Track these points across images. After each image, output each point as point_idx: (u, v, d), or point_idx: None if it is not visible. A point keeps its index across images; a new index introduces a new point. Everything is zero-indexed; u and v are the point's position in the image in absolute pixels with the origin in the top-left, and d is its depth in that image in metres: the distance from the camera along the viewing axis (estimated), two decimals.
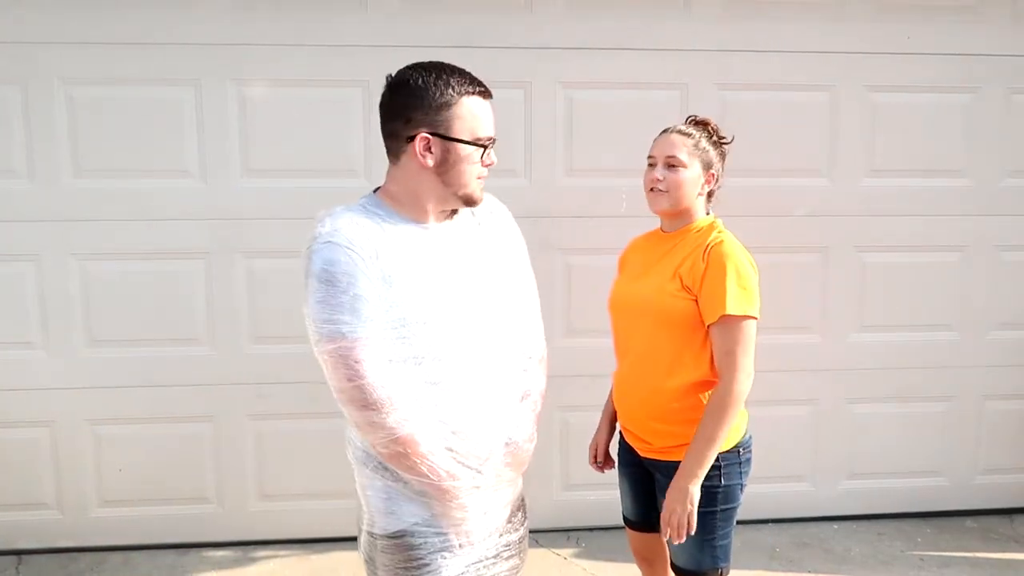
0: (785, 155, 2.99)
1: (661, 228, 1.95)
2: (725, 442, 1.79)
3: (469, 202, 1.53)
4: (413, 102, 1.46)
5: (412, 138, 1.47)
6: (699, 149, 1.85)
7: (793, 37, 2.92)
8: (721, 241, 1.79)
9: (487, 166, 1.52)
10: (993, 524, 3.19)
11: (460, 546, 1.51)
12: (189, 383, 2.88)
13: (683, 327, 1.79)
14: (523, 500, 1.70)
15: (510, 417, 1.57)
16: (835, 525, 3.16)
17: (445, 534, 1.50)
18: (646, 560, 2.08)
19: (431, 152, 1.47)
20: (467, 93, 1.47)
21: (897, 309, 3.11)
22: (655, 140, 1.92)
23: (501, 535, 1.60)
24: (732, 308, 1.72)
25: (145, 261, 2.81)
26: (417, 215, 1.52)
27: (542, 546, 2.96)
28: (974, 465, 3.25)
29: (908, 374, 3.15)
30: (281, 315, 2.87)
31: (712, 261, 1.76)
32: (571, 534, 3.03)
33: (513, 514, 1.64)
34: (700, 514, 1.76)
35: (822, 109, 2.98)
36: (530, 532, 3.00)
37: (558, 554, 2.93)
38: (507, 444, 1.56)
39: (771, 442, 3.09)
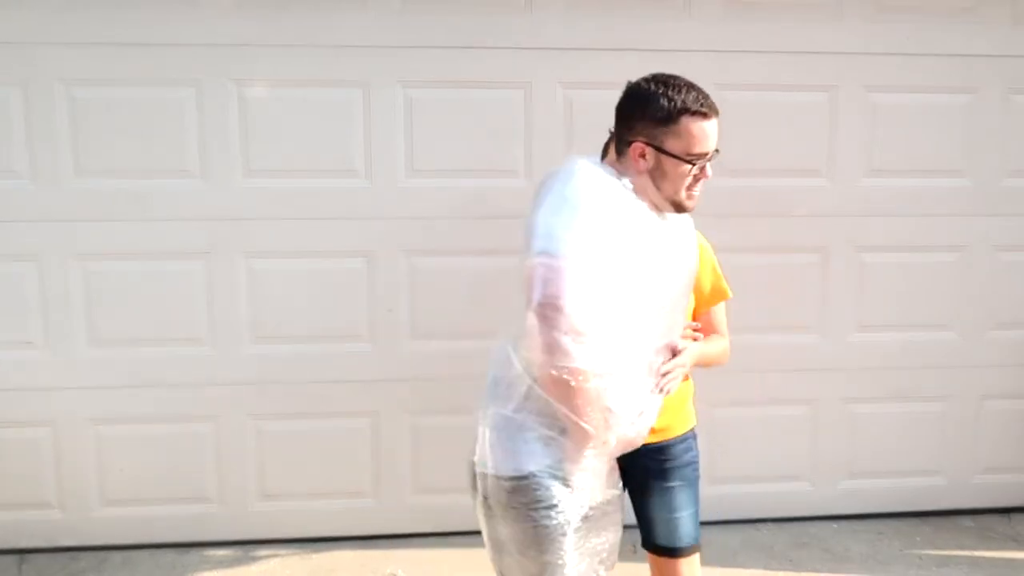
0: (784, 155, 2.99)
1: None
2: (691, 421, 1.93)
3: (678, 208, 1.63)
4: (637, 111, 1.60)
5: (631, 142, 1.60)
6: None
7: (793, 37, 2.93)
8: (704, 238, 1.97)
9: (699, 180, 1.61)
10: (991, 523, 3.20)
11: (578, 492, 1.56)
12: (190, 383, 2.88)
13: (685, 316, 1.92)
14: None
15: (649, 398, 1.66)
16: (834, 524, 3.17)
17: (566, 479, 1.55)
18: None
19: (644, 159, 1.60)
20: (687, 113, 1.57)
21: (896, 309, 3.12)
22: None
23: (607, 489, 1.66)
24: (729, 292, 1.96)
25: (146, 261, 2.81)
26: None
27: None
28: (973, 465, 3.25)
29: (907, 374, 3.16)
30: (281, 315, 2.88)
31: (703, 252, 1.88)
32: None
33: (611, 472, 1.68)
34: (691, 488, 1.89)
35: (822, 109, 2.99)
36: None
37: None
38: (640, 416, 1.63)
39: (770, 441, 3.11)
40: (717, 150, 1.61)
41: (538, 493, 1.55)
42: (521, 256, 1.51)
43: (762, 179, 2.94)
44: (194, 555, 2.92)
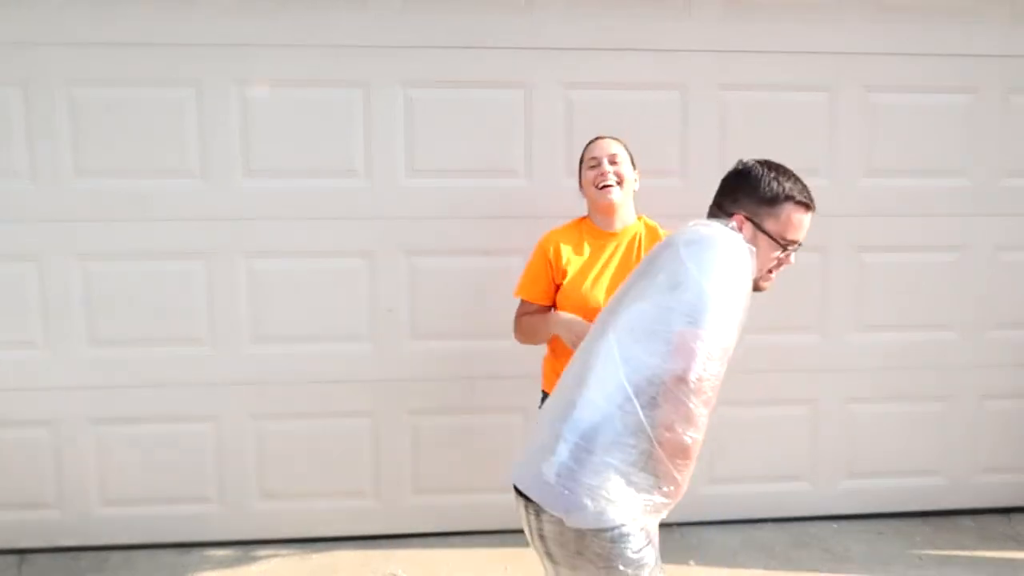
0: (784, 155, 2.92)
1: (598, 226, 2.25)
2: None
3: (754, 288, 1.64)
4: (746, 187, 1.67)
5: (732, 214, 1.66)
6: (627, 150, 2.28)
7: (793, 37, 2.93)
8: (662, 228, 2.22)
9: (782, 265, 1.68)
10: (991, 523, 3.20)
11: (653, 538, 1.60)
12: (190, 383, 2.88)
13: None
14: None
15: None
16: (834, 524, 3.17)
17: (652, 522, 1.58)
18: None
19: (742, 232, 1.64)
20: (793, 200, 1.65)
21: (896, 309, 3.12)
22: (591, 145, 2.29)
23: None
24: None
25: (146, 261, 2.81)
26: None
27: None
28: (972, 464, 3.25)
29: (907, 374, 3.16)
30: (281, 315, 2.88)
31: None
32: None
33: None
34: None
35: (822, 109, 2.99)
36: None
37: None
38: None
39: (770, 441, 3.11)
40: (801, 243, 1.68)
41: (634, 539, 1.54)
42: (663, 314, 1.51)
43: None
44: (194, 555, 2.92)
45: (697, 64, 2.92)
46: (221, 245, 2.83)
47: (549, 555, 1.61)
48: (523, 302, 2.31)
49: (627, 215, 2.27)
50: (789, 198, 1.64)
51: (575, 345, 1.97)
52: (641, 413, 1.49)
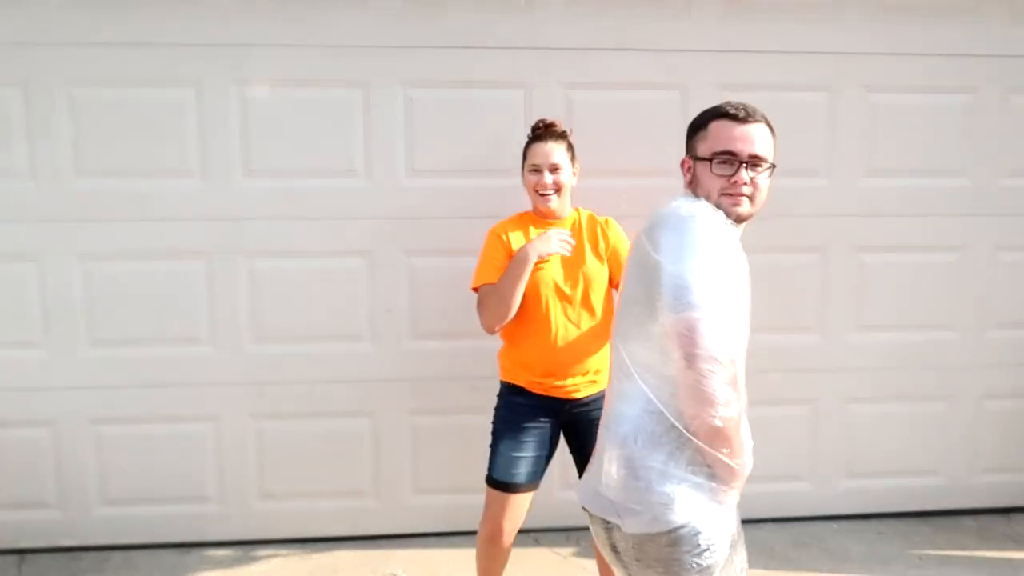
0: (784, 155, 2.96)
1: (545, 218, 2.33)
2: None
3: (731, 216, 1.57)
4: (688, 131, 1.64)
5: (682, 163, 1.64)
6: (569, 148, 2.34)
7: (793, 37, 2.93)
8: (597, 216, 2.36)
9: (736, 184, 1.55)
10: (991, 523, 3.20)
11: (725, 526, 1.56)
12: (190, 383, 2.88)
13: (602, 287, 2.31)
14: None
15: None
16: (834, 524, 3.17)
17: (717, 516, 1.54)
18: (513, 520, 2.29)
19: (687, 172, 1.63)
20: (717, 116, 1.58)
21: (896, 309, 3.12)
22: (534, 147, 2.31)
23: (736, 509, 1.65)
24: None
25: (147, 261, 2.82)
26: None
27: (542, 545, 2.97)
28: (972, 464, 3.26)
29: (907, 374, 3.16)
30: (281, 315, 2.88)
31: (612, 228, 2.35)
32: (570, 533, 3.04)
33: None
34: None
35: (821, 109, 2.99)
36: (529, 532, 3.02)
37: (558, 553, 2.94)
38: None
39: (770, 441, 3.10)
40: (763, 158, 1.56)
41: (697, 539, 1.52)
42: (647, 310, 1.49)
43: None
44: (194, 555, 2.92)
45: (697, 64, 2.92)
46: (221, 245, 2.83)
47: (624, 566, 1.60)
48: (483, 288, 2.30)
49: (566, 210, 2.35)
50: (713, 115, 1.58)
51: (542, 251, 2.17)
52: (665, 410, 1.50)
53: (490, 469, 2.29)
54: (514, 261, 2.21)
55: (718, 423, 1.46)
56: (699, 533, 1.51)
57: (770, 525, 3.16)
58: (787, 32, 2.92)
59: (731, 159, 1.54)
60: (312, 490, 2.98)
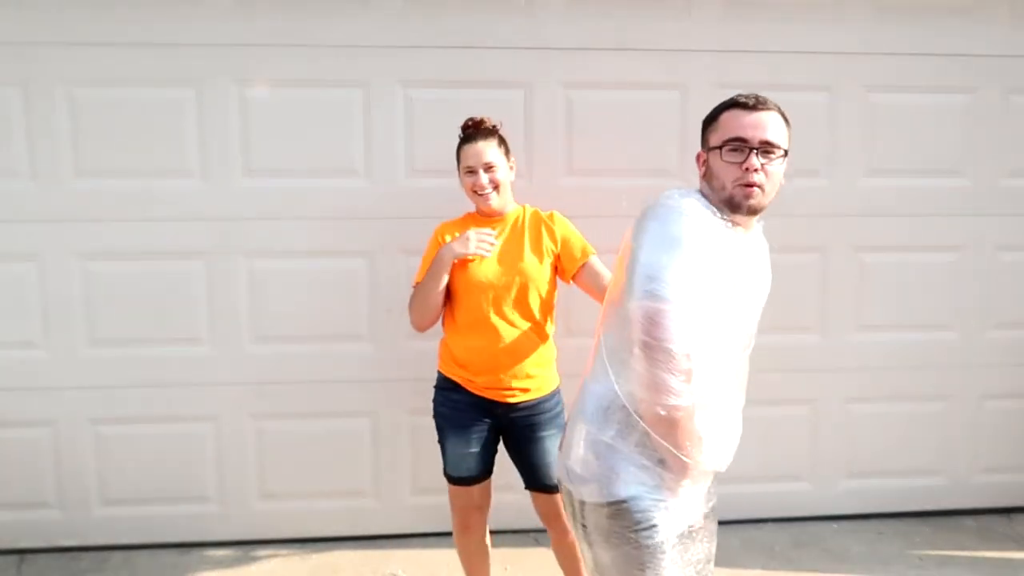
0: None
1: (487, 218, 2.29)
2: (556, 380, 2.32)
3: (734, 207, 1.56)
4: (702, 125, 1.65)
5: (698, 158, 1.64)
6: (502, 143, 2.30)
7: (793, 37, 2.93)
8: (542, 210, 2.33)
9: (749, 171, 1.54)
10: (991, 523, 3.20)
11: (676, 514, 1.58)
12: (190, 383, 2.88)
13: (551, 287, 2.28)
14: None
15: (737, 415, 1.70)
16: (834, 524, 3.17)
17: (664, 500, 1.57)
18: (479, 508, 2.36)
19: (702, 166, 1.63)
20: (728, 107, 1.59)
21: (896, 309, 3.12)
22: (466, 149, 2.26)
23: (704, 503, 1.68)
24: (590, 246, 2.31)
25: (146, 261, 2.82)
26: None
27: (542, 545, 2.96)
28: (973, 464, 3.26)
29: (907, 374, 3.16)
30: (281, 315, 2.88)
31: (558, 222, 2.32)
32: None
33: (708, 493, 1.71)
34: (558, 436, 2.19)
35: (821, 109, 2.99)
36: (528, 532, 3.01)
37: None
38: (731, 438, 1.67)
39: (770, 441, 3.11)
40: (775, 145, 1.55)
41: (636, 516, 1.56)
42: (622, 294, 1.52)
43: None
44: (194, 555, 2.92)
45: (697, 64, 2.91)
46: (221, 245, 2.83)
47: (589, 545, 1.65)
48: (414, 288, 2.32)
49: (508, 206, 2.31)
50: (725, 106, 1.60)
51: (459, 253, 2.17)
52: (619, 390, 1.54)
53: (444, 464, 2.33)
54: (433, 263, 2.22)
55: (662, 412, 1.49)
56: (640, 511, 1.55)
57: (770, 525, 3.16)
58: (787, 32, 2.92)
59: (742, 146, 1.54)
60: (312, 490, 2.98)
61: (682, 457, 1.51)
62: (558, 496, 2.19)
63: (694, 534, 1.64)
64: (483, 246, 2.20)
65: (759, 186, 1.54)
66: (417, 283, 2.30)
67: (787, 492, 3.19)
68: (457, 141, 2.31)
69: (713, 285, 1.49)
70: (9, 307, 2.80)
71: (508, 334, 2.21)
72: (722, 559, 2.88)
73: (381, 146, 2.85)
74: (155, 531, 2.95)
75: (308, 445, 2.95)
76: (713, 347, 1.53)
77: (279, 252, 2.85)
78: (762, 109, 1.57)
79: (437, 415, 2.33)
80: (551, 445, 2.23)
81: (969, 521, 3.21)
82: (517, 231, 2.28)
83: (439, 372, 2.35)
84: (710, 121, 1.63)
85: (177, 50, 2.73)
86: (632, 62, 2.89)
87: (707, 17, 2.89)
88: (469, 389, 2.26)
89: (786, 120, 1.61)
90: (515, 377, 2.22)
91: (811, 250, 3.06)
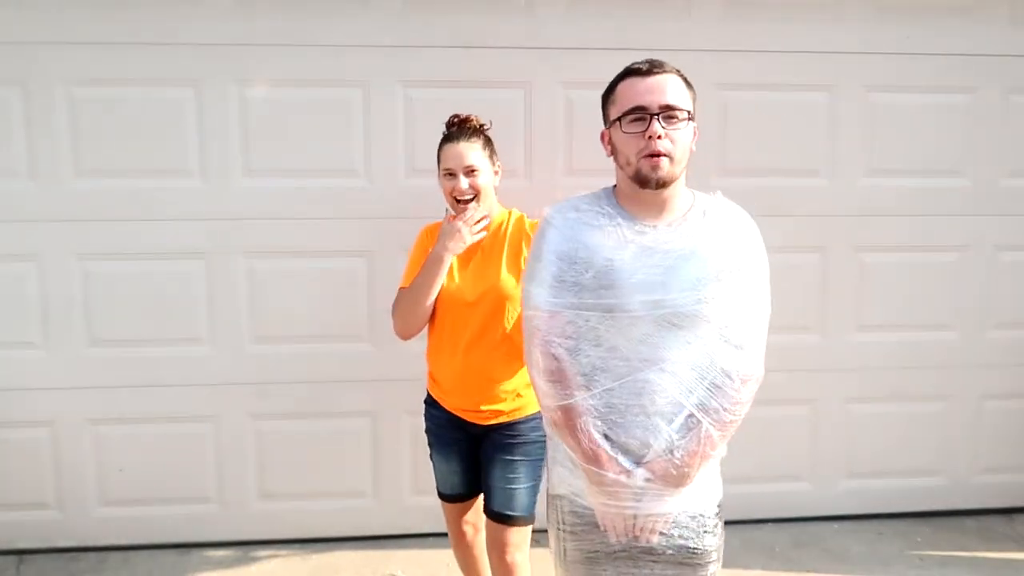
0: (784, 155, 2.99)
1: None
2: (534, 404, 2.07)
3: (643, 182, 1.50)
4: (601, 106, 1.60)
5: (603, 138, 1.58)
6: (486, 145, 2.13)
7: (793, 37, 2.93)
8: (528, 216, 2.13)
9: (652, 138, 1.46)
10: (992, 524, 3.20)
11: (602, 530, 1.54)
12: (189, 383, 2.88)
13: (518, 305, 2.01)
14: (704, 515, 1.58)
15: (673, 427, 1.50)
16: (834, 524, 3.17)
17: (590, 510, 1.54)
18: (472, 523, 2.29)
19: (608, 145, 1.58)
20: (623, 77, 1.54)
21: (896, 309, 3.12)
22: (447, 150, 2.11)
23: (650, 540, 1.54)
24: None
25: (146, 261, 2.81)
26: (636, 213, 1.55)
27: (542, 545, 2.95)
28: (973, 465, 3.25)
29: (907, 374, 3.16)
30: (281, 315, 2.88)
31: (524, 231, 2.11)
32: None
33: (678, 526, 1.55)
34: (534, 464, 2.08)
35: (821, 109, 2.99)
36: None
37: None
38: (664, 453, 1.50)
39: (770, 442, 3.11)
40: (677, 107, 1.48)
41: (561, 515, 1.59)
42: None
43: (762, 179, 2.94)
44: (194, 555, 2.91)
45: (697, 64, 2.88)
46: (221, 245, 2.83)
47: None
48: (399, 293, 2.17)
49: (492, 209, 2.13)
50: (620, 77, 1.54)
51: (455, 249, 2.03)
52: None
53: (436, 480, 2.28)
54: (426, 265, 2.05)
55: (546, 413, 1.56)
56: (566, 511, 1.58)
57: (770, 525, 3.16)
58: (787, 32, 2.92)
59: (642, 114, 1.48)
60: (312, 490, 2.98)
61: (580, 461, 1.50)
62: (510, 530, 2.08)
63: (638, 560, 1.54)
64: (479, 234, 2.06)
65: (666, 155, 1.47)
66: (403, 287, 2.15)
67: (787, 492, 3.18)
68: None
69: (585, 280, 1.48)
70: (9, 307, 2.80)
71: (479, 354, 2.05)
72: (723, 559, 2.88)
73: (381, 146, 2.84)
74: (154, 531, 2.94)
75: (308, 445, 2.95)
76: (599, 344, 1.49)
77: (279, 252, 2.85)
78: (658, 72, 1.50)
79: (426, 431, 2.28)
80: (519, 471, 2.07)
81: (970, 521, 3.21)
82: (498, 241, 2.11)
83: (428, 388, 2.28)
84: (608, 95, 1.56)
85: (177, 50, 2.73)
86: (632, 62, 2.89)
87: (707, 17, 2.89)
88: (444, 406, 2.17)
89: (687, 82, 1.53)
90: (485, 400, 2.06)
91: (811, 250, 3.05)
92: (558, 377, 1.49)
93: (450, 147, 2.09)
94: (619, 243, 1.49)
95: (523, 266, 1.95)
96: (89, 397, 2.86)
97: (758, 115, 2.93)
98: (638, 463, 1.49)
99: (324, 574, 2.81)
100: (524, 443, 2.08)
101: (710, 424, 1.50)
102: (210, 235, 2.82)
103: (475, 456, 2.17)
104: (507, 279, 2.05)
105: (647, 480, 1.48)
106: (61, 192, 2.76)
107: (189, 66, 2.74)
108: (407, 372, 2.93)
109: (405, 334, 2.15)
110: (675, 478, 1.49)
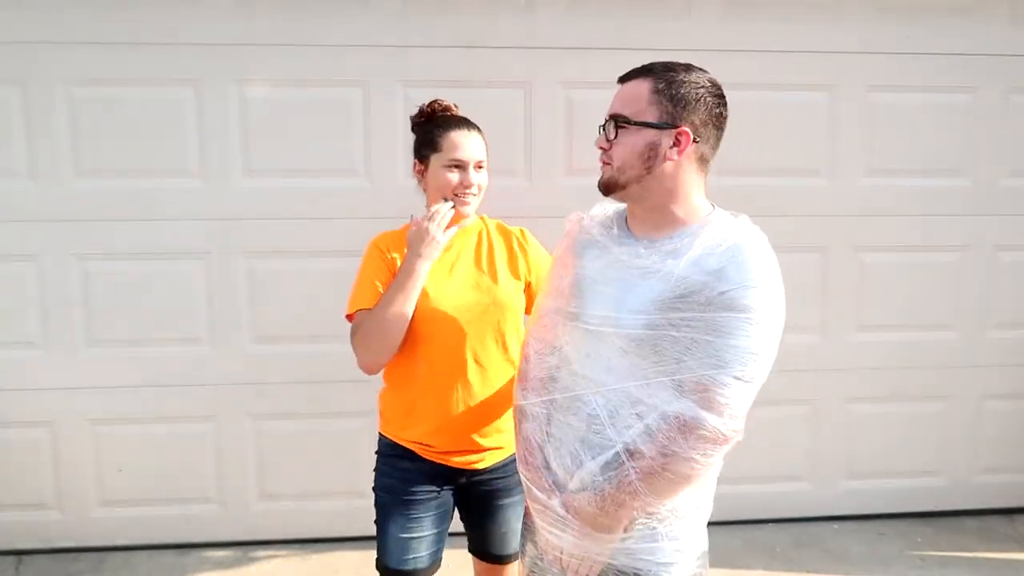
0: (784, 155, 2.99)
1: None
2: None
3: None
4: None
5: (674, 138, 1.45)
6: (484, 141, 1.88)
7: (793, 37, 2.93)
8: (508, 225, 1.93)
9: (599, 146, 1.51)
10: (993, 524, 3.20)
11: (535, 544, 1.53)
12: (189, 383, 2.88)
13: (519, 318, 1.82)
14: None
15: (597, 463, 1.35)
16: (835, 525, 3.17)
17: (530, 520, 1.54)
18: None
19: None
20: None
21: (896, 309, 3.12)
22: (453, 137, 1.82)
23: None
24: None
25: (146, 261, 2.81)
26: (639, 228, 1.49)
27: None
28: (973, 465, 3.25)
29: (907, 374, 3.16)
30: (281, 315, 2.87)
31: (531, 245, 1.90)
32: None
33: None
34: (520, 503, 1.80)
35: (822, 109, 2.99)
36: None
37: None
38: (581, 488, 1.36)
39: (770, 442, 3.10)
40: (620, 115, 1.56)
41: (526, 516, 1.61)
42: None
43: (762, 179, 2.94)
44: (193, 556, 2.91)
45: (697, 64, 2.90)
46: (221, 245, 2.83)
47: None
48: (358, 315, 1.75)
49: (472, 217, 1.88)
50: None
51: (431, 255, 1.71)
52: None
53: (380, 553, 1.84)
54: (398, 279, 1.70)
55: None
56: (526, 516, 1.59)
57: (770, 525, 3.16)
58: (787, 32, 2.92)
59: (603, 122, 1.51)
60: (312, 490, 2.98)
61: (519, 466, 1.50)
62: (506, 568, 1.91)
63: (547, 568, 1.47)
64: (449, 230, 1.74)
65: (607, 162, 1.58)
66: (363, 309, 1.74)
67: (787, 492, 3.18)
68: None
69: (564, 286, 1.50)
70: (9, 307, 2.80)
71: (481, 380, 1.75)
72: (723, 559, 2.89)
73: (381, 146, 2.84)
74: (154, 532, 2.94)
75: (308, 445, 2.94)
76: (559, 348, 1.46)
77: (279, 252, 2.85)
78: (623, 82, 1.55)
79: (379, 486, 1.87)
80: (511, 514, 1.85)
81: (970, 521, 3.21)
82: (487, 246, 1.85)
83: (381, 435, 1.89)
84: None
85: (177, 50, 2.73)
86: (632, 62, 2.86)
87: (707, 17, 2.89)
88: (423, 455, 1.80)
89: (661, 88, 1.49)
90: (486, 435, 1.77)
91: (811, 250, 3.05)
92: (521, 376, 1.53)
93: (460, 134, 1.79)
94: (600, 253, 1.46)
95: (520, 271, 1.85)
96: (89, 397, 2.85)
97: (758, 115, 2.92)
98: (561, 490, 1.37)
99: (324, 574, 2.81)
100: (514, 484, 1.83)
101: (633, 470, 1.29)
102: (210, 235, 2.82)
103: (450, 513, 1.88)
104: (508, 287, 1.80)
105: (566, 511, 1.35)
106: (61, 192, 2.76)
107: (189, 66, 2.74)
108: None
109: (374, 366, 1.75)
110: (592, 520, 1.33)
